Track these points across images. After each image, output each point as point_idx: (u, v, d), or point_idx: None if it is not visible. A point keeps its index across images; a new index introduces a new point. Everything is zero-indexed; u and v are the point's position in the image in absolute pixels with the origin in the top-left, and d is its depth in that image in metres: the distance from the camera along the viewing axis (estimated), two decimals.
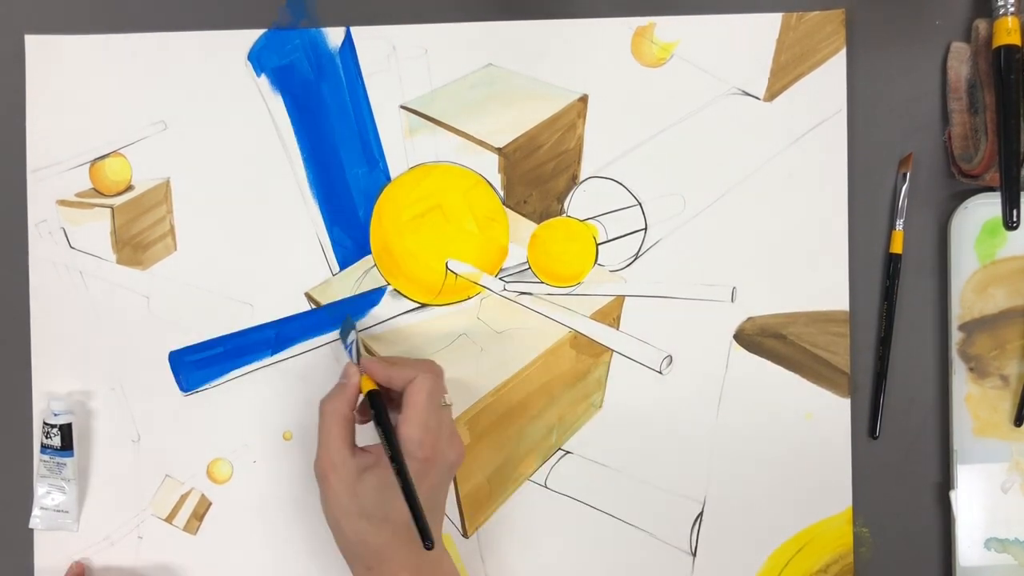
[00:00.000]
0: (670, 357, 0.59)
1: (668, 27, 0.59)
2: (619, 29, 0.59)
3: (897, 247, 0.58)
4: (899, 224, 0.58)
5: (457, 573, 0.53)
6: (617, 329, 0.59)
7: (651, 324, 0.59)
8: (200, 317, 0.60)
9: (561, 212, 0.60)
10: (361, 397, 0.53)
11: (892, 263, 0.58)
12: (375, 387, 0.53)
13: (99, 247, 0.60)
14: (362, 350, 0.56)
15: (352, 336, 0.56)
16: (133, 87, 0.60)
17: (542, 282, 0.60)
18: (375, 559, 0.51)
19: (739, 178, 0.59)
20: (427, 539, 0.48)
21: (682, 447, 0.59)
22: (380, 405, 0.51)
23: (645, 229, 0.59)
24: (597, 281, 0.60)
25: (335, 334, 0.60)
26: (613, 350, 0.59)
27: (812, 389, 0.59)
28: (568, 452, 0.60)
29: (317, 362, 0.60)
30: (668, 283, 0.59)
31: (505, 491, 0.60)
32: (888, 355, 0.58)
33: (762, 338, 0.59)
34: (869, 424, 0.59)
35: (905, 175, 0.58)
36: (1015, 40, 0.55)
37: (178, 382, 0.60)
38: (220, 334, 0.60)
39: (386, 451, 0.50)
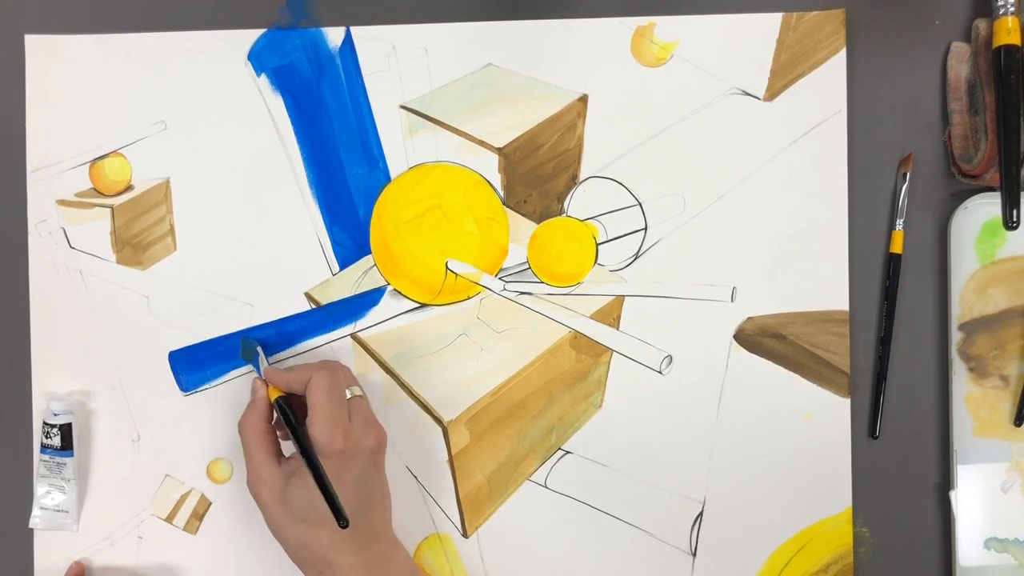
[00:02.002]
0: (670, 357, 0.59)
1: (668, 27, 0.59)
2: (619, 29, 0.59)
3: (897, 247, 0.58)
4: (899, 224, 0.58)
5: (413, 565, 0.54)
6: (617, 329, 0.59)
7: (651, 324, 0.59)
8: (200, 317, 0.60)
9: (561, 212, 0.60)
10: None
11: (892, 263, 0.58)
12: (281, 394, 0.54)
13: (99, 247, 0.60)
14: (266, 363, 0.57)
15: (254, 353, 0.57)
16: (133, 87, 0.60)
17: (542, 282, 0.60)
18: (323, 562, 0.51)
19: (739, 178, 0.59)
20: (341, 518, 0.49)
21: (682, 447, 0.59)
22: (286, 409, 0.52)
23: (645, 229, 0.59)
24: (597, 281, 0.60)
25: (335, 334, 0.60)
26: (613, 350, 0.59)
27: (812, 389, 0.59)
28: (568, 452, 0.60)
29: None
30: (668, 283, 0.59)
31: (505, 491, 0.60)
32: (888, 355, 0.58)
33: (762, 338, 0.59)
34: (869, 424, 0.59)
35: (905, 175, 0.58)
36: (1015, 40, 0.55)
37: (178, 382, 0.60)
38: (220, 334, 0.60)
39: (299, 448, 0.51)
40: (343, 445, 0.51)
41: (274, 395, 0.54)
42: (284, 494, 0.52)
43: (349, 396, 0.54)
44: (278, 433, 0.55)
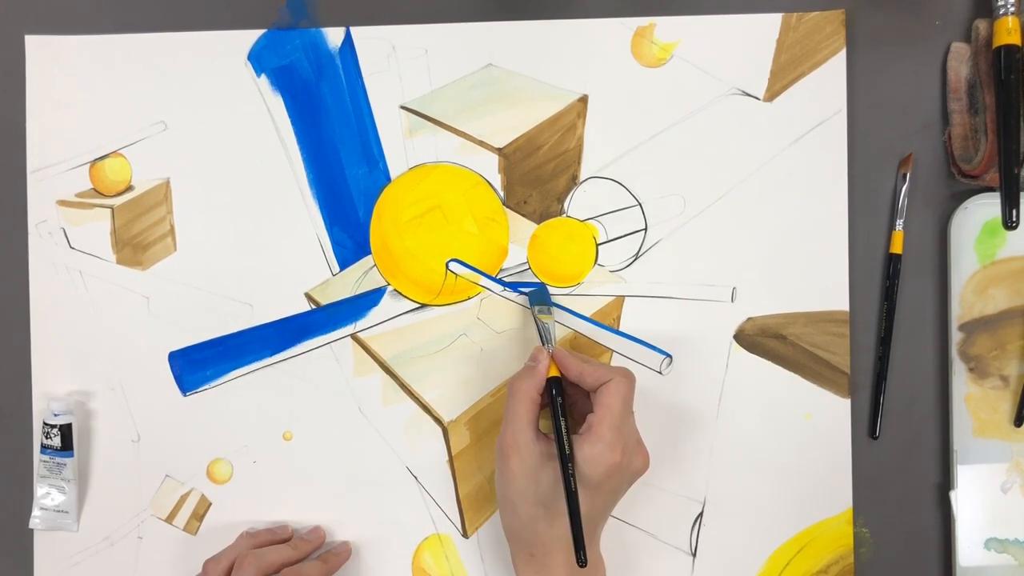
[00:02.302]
0: (670, 357, 0.59)
1: (668, 27, 0.59)
2: (619, 29, 0.59)
3: (897, 247, 0.58)
4: (899, 224, 0.58)
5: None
6: (617, 329, 0.59)
7: (651, 324, 0.59)
8: (200, 317, 0.60)
9: (561, 212, 0.60)
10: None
11: (892, 263, 0.58)
12: (557, 374, 0.53)
13: (99, 247, 0.60)
14: (554, 335, 0.55)
15: (550, 318, 0.55)
16: (133, 87, 0.60)
17: (542, 282, 0.60)
18: (540, 548, 0.51)
19: (739, 178, 0.59)
20: (580, 553, 0.49)
21: (682, 447, 0.59)
22: (558, 398, 0.52)
23: (645, 229, 0.59)
24: (597, 281, 0.60)
25: (335, 334, 0.60)
26: (613, 350, 0.59)
27: (812, 389, 0.59)
28: None
29: (317, 363, 0.60)
30: (668, 283, 0.59)
31: None
32: (888, 355, 0.58)
33: (762, 338, 0.59)
34: (869, 424, 0.59)
35: (905, 175, 0.58)
36: (1015, 40, 0.55)
37: (178, 382, 0.60)
38: (220, 334, 0.60)
39: (560, 449, 0.50)
40: (619, 460, 0.50)
41: (551, 373, 0.53)
42: (538, 472, 0.51)
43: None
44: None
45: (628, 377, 0.52)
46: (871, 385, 0.59)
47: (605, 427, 0.50)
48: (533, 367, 0.53)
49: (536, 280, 0.59)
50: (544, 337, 0.55)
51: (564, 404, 0.52)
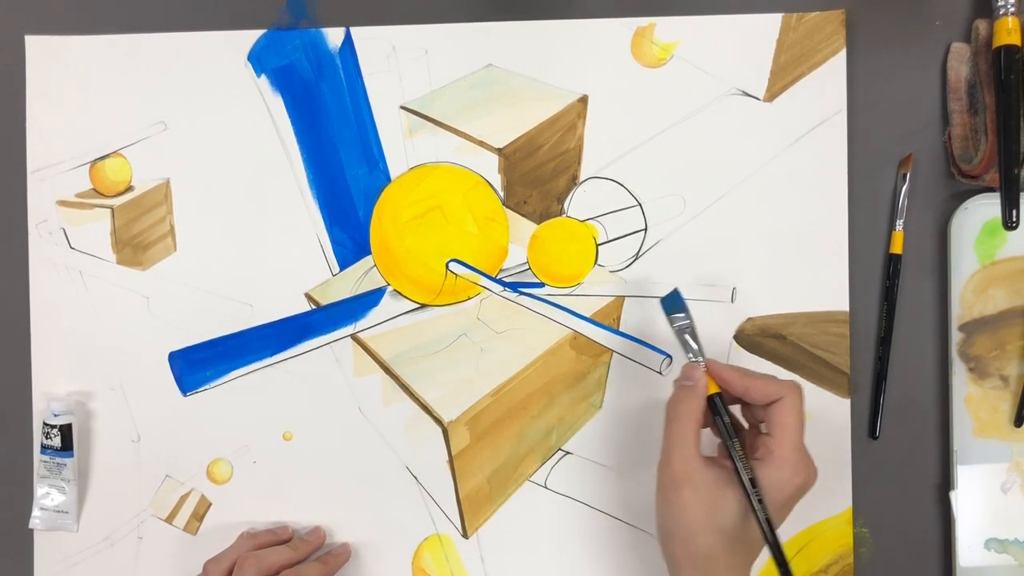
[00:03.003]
0: (670, 357, 0.59)
1: (668, 27, 0.59)
2: (619, 29, 0.59)
3: (897, 247, 0.58)
4: (899, 224, 0.58)
5: None
6: (617, 329, 0.59)
7: (651, 324, 0.59)
8: (200, 317, 0.60)
9: (561, 212, 0.60)
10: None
11: (892, 263, 0.58)
12: (718, 389, 0.50)
13: (99, 247, 0.60)
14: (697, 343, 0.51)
15: (688, 321, 0.51)
16: (133, 87, 0.60)
17: (542, 283, 0.60)
18: (712, 573, 0.48)
19: (739, 178, 0.59)
20: None
21: None
22: (726, 415, 0.49)
23: (645, 229, 0.59)
24: (597, 281, 0.60)
25: (335, 334, 0.60)
26: (613, 351, 0.59)
27: (812, 389, 0.59)
28: (568, 452, 0.60)
29: (317, 362, 0.60)
30: (668, 283, 0.59)
31: (505, 491, 0.60)
32: (888, 355, 0.58)
33: (762, 338, 0.59)
34: (869, 424, 0.59)
35: (905, 175, 0.58)
36: (1015, 40, 0.55)
37: (178, 383, 0.60)
38: (220, 334, 0.60)
39: (742, 472, 0.48)
40: (805, 480, 0.48)
41: (711, 389, 0.50)
42: (716, 501, 0.47)
43: None
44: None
45: (799, 391, 0.49)
46: (871, 385, 0.59)
47: (787, 450, 0.48)
48: (691, 386, 0.50)
49: (536, 280, 0.59)
50: (689, 348, 0.51)
51: (734, 424, 0.49)
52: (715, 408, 0.50)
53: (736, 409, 0.52)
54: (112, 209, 0.60)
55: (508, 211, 0.60)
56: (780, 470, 0.48)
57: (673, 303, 0.52)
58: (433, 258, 0.60)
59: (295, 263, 0.60)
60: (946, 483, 0.59)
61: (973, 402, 0.58)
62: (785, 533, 0.59)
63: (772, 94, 0.59)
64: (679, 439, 0.49)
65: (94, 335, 0.60)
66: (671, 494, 0.48)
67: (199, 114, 0.60)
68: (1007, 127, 0.54)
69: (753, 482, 0.47)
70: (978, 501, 0.58)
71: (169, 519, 0.60)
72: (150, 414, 0.60)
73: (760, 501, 0.47)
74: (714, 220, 0.59)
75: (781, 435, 0.48)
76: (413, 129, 0.60)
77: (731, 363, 0.59)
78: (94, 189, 0.60)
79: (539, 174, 0.60)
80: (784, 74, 0.59)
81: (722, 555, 0.48)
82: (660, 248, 0.59)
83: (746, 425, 0.53)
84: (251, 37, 0.59)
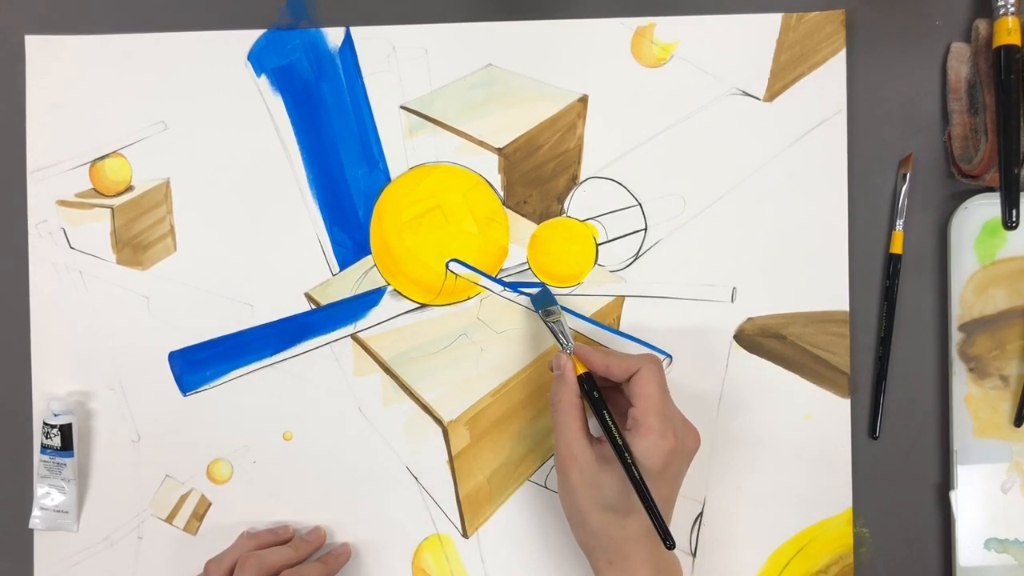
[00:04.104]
0: (670, 357, 0.59)
1: (668, 27, 0.59)
2: (619, 29, 0.59)
3: (897, 247, 0.58)
4: (899, 224, 0.58)
5: (681, 570, 0.53)
6: (617, 329, 0.59)
7: (651, 324, 0.59)
8: (200, 317, 0.60)
9: (561, 212, 0.60)
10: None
11: (892, 263, 0.58)
12: (585, 370, 0.52)
13: (99, 247, 0.60)
14: (567, 332, 0.54)
15: (558, 318, 0.55)
16: (133, 87, 0.60)
17: (542, 282, 0.60)
18: (617, 553, 0.50)
19: (739, 178, 0.59)
20: (668, 539, 0.48)
21: None
22: (596, 390, 0.51)
23: (645, 229, 0.59)
24: (597, 281, 0.60)
25: (335, 334, 0.60)
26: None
27: (812, 389, 0.59)
28: None
29: (317, 362, 0.60)
30: (668, 283, 0.59)
31: (505, 491, 0.60)
32: (888, 355, 0.58)
33: (762, 338, 0.59)
34: (869, 424, 0.59)
35: (905, 175, 0.58)
36: (1015, 40, 0.55)
37: (178, 383, 0.60)
38: (220, 334, 0.60)
39: (613, 444, 0.50)
40: (674, 444, 0.50)
41: (579, 370, 0.53)
42: (597, 477, 0.50)
43: None
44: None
45: (656, 362, 0.52)
46: (871, 385, 0.59)
47: (651, 417, 0.50)
48: (561, 374, 0.53)
49: (536, 280, 0.59)
50: (559, 339, 0.55)
51: (602, 397, 0.51)
52: (583, 387, 0.52)
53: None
54: (112, 209, 0.60)
55: (508, 211, 0.60)
56: (646, 437, 0.50)
57: (543, 299, 0.57)
58: (433, 258, 0.60)
59: (295, 263, 0.60)
60: (946, 483, 0.59)
61: (973, 402, 0.58)
62: (785, 533, 0.59)
63: (772, 94, 0.59)
64: (562, 426, 0.52)
65: (94, 335, 0.60)
66: (561, 478, 0.52)
67: (199, 114, 0.60)
68: (1007, 127, 0.54)
69: (624, 447, 0.49)
70: (978, 501, 0.58)
71: (169, 519, 0.60)
72: (150, 414, 0.60)
73: (631, 464, 0.49)
74: (714, 220, 0.59)
75: (642, 404, 0.50)
76: (413, 129, 0.60)
77: (733, 363, 0.59)
78: (94, 189, 0.60)
79: (539, 174, 0.60)
80: (784, 74, 0.59)
81: (616, 529, 0.50)
82: (660, 248, 0.59)
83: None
84: (251, 37, 0.59)
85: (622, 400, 0.53)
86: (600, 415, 0.51)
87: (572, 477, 0.51)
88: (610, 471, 0.50)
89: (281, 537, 0.58)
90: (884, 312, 0.59)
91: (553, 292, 0.59)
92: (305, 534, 0.58)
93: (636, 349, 0.59)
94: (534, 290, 0.58)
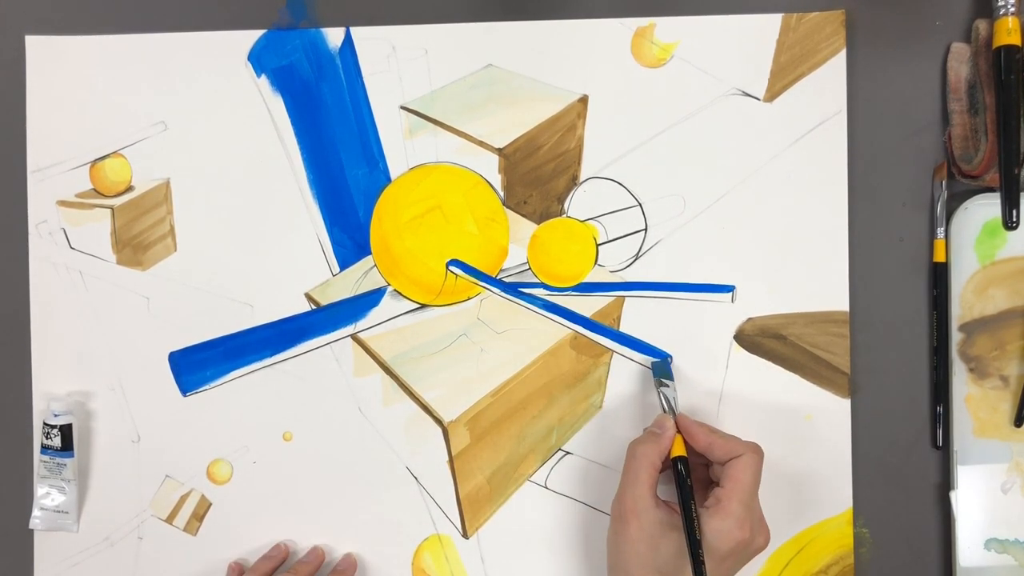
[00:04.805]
0: (670, 358, 0.59)
1: (668, 27, 0.59)
2: (619, 29, 0.59)
3: (940, 255, 0.58)
4: (940, 232, 0.58)
5: None
6: (617, 329, 0.59)
7: (651, 324, 0.59)
8: (200, 317, 0.60)
9: (561, 212, 0.60)
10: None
11: (937, 272, 0.58)
12: (684, 453, 0.52)
13: (99, 247, 0.60)
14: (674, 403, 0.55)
15: (670, 385, 0.56)
16: (133, 87, 0.60)
17: (542, 282, 0.60)
18: None
19: (739, 178, 0.59)
20: None
21: None
22: (685, 477, 0.51)
23: (645, 229, 0.59)
24: (597, 281, 0.59)
25: (335, 334, 0.60)
26: (613, 351, 0.59)
27: (812, 389, 0.59)
28: (568, 453, 0.60)
29: (317, 363, 0.60)
30: (668, 283, 0.59)
31: (505, 491, 0.60)
32: (947, 365, 0.58)
33: (762, 338, 0.59)
34: (931, 435, 0.58)
35: (942, 183, 0.58)
36: (1015, 40, 0.55)
37: (178, 383, 0.60)
38: (220, 334, 0.60)
39: (686, 516, 0.50)
40: (747, 537, 0.50)
41: (677, 450, 0.53)
42: (655, 539, 0.50)
43: None
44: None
45: (759, 453, 0.52)
46: (929, 397, 0.59)
47: (735, 503, 0.50)
48: (658, 434, 0.53)
49: (536, 280, 0.59)
50: (667, 406, 0.55)
51: (692, 490, 0.51)
52: (675, 467, 0.52)
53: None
54: (112, 209, 0.60)
55: (508, 211, 0.60)
56: (723, 520, 0.50)
57: (663, 370, 0.57)
58: (433, 258, 0.60)
59: (295, 263, 0.60)
60: (946, 483, 0.59)
61: (973, 402, 0.58)
62: (785, 533, 0.59)
63: (772, 94, 0.59)
64: (634, 476, 0.52)
65: (94, 335, 0.60)
66: (619, 526, 0.52)
67: (199, 114, 0.60)
68: (1007, 127, 0.54)
69: (696, 524, 0.49)
70: (978, 501, 0.58)
71: (169, 519, 0.60)
72: (150, 414, 0.60)
73: (697, 543, 0.49)
74: (714, 220, 0.59)
75: (732, 488, 0.50)
76: (413, 129, 0.60)
77: (733, 363, 0.59)
78: (94, 189, 0.60)
79: (539, 174, 0.60)
80: (784, 74, 0.59)
81: None
82: (660, 248, 0.59)
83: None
84: (251, 37, 0.59)
85: (700, 469, 0.54)
86: (684, 501, 0.50)
87: (631, 531, 0.51)
88: (670, 538, 0.50)
89: (276, 560, 0.57)
90: (935, 322, 0.58)
91: (553, 292, 0.59)
92: (303, 556, 0.58)
93: (643, 361, 0.59)
94: (654, 359, 0.59)
